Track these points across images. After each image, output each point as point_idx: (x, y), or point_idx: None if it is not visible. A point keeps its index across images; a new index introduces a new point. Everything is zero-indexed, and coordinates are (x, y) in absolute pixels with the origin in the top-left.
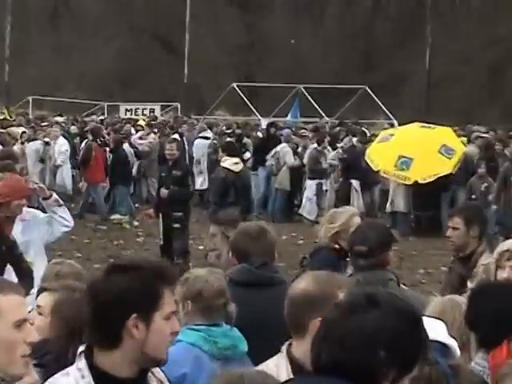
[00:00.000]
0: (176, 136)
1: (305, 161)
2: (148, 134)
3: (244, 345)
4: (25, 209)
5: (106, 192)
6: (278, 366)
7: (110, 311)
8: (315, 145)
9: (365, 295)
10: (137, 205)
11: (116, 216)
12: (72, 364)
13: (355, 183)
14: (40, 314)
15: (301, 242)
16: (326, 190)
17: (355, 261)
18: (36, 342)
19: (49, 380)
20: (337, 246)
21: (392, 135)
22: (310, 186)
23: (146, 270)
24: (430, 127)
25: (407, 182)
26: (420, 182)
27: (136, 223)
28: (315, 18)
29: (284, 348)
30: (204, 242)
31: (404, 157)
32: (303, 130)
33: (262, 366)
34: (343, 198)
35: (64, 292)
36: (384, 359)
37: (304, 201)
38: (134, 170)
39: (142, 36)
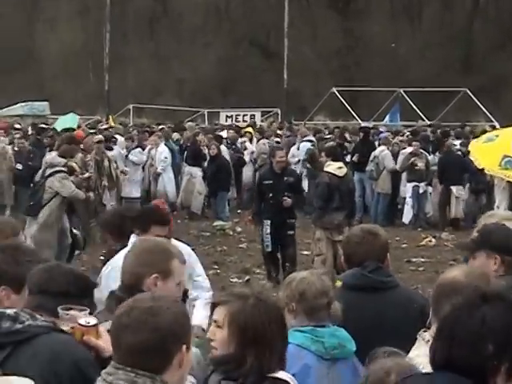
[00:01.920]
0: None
1: (398, 164)
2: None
3: (352, 344)
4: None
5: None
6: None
7: None
8: (410, 148)
9: (479, 293)
10: (239, 211)
11: (219, 222)
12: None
13: (454, 189)
14: (218, 327)
15: (404, 245)
16: (425, 192)
17: None
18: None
19: None
20: None
21: (497, 136)
22: (407, 189)
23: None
24: None
25: None
26: None
27: (239, 229)
28: (413, 20)
29: (426, 335)
30: (310, 247)
31: (509, 156)
32: (397, 138)
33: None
34: (442, 204)
35: (238, 301)
36: (493, 354)
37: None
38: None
39: (241, 43)
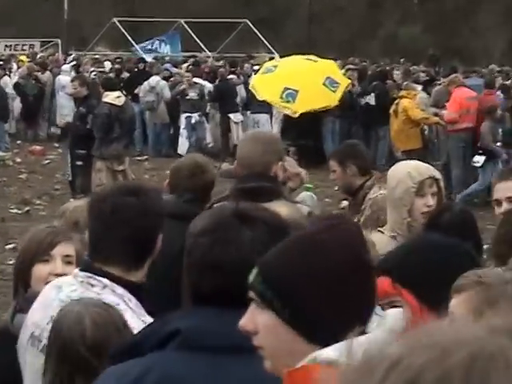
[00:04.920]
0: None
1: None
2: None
3: None
4: None
5: None
6: None
7: None
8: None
9: (232, 213)
10: (19, 142)
11: None
12: None
13: (233, 116)
14: (69, 263)
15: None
16: (200, 122)
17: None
18: None
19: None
20: None
21: (276, 66)
22: (181, 119)
23: None
24: (312, 60)
25: (293, 115)
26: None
27: (19, 160)
28: None
29: None
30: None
31: (289, 89)
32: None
33: None
34: (224, 132)
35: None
36: None
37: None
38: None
39: None
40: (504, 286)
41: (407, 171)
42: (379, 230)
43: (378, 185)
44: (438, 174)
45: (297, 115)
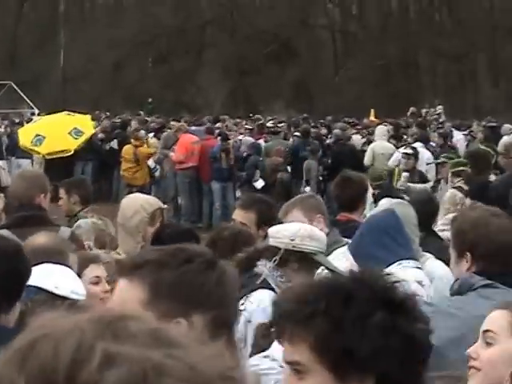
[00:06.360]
0: None
1: None
2: None
3: None
4: None
5: None
6: None
7: None
8: None
9: None
10: None
11: None
12: None
13: (1, 163)
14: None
15: None
16: None
17: None
18: None
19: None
20: None
21: (41, 119)
22: None
23: None
24: (73, 115)
25: (38, 156)
26: (47, 157)
27: None
28: None
29: None
30: None
31: (39, 135)
32: None
33: None
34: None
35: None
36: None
37: None
38: None
39: None
40: None
41: (140, 203)
42: (117, 252)
43: (91, 213)
44: (162, 204)
45: (40, 156)
